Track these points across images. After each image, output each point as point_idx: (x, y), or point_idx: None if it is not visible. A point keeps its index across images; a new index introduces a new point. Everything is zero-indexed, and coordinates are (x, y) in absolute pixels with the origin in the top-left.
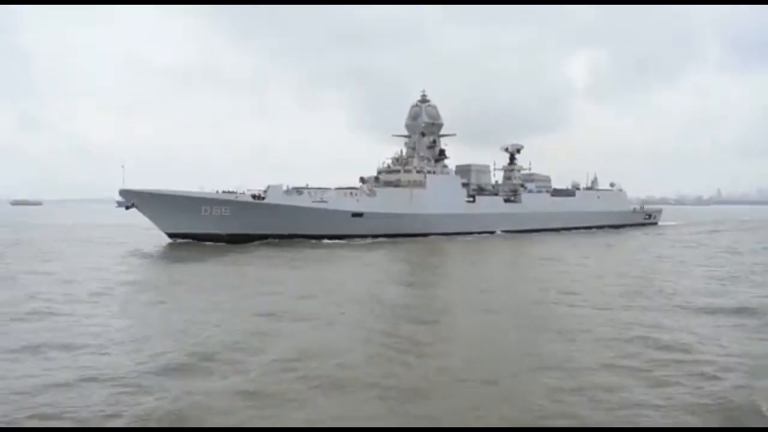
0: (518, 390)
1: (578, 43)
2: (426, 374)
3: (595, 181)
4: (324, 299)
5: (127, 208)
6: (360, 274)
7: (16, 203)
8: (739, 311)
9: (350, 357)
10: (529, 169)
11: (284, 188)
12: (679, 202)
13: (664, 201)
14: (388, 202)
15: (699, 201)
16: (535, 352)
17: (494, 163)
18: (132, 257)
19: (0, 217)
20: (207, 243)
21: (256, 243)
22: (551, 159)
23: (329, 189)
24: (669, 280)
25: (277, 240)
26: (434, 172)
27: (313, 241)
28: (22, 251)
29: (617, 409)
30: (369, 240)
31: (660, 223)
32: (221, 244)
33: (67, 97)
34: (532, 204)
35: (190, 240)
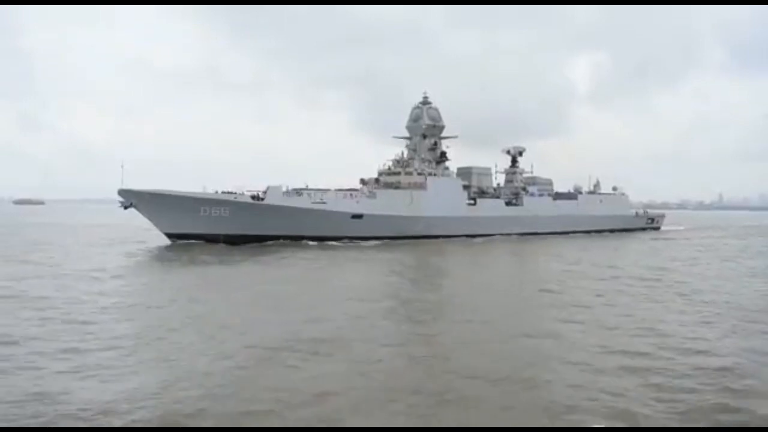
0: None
1: (578, 45)
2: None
3: (597, 184)
4: (347, 299)
5: (126, 208)
6: (376, 275)
7: (19, 202)
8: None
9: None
10: (531, 172)
11: (284, 189)
12: (681, 206)
13: (666, 205)
14: (388, 204)
15: (701, 206)
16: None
17: (496, 165)
18: (152, 257)
19: (5, 216)
20: (217, 244)
21: (269, 243)
22: (552, 162)
23: (329, 190)
24: (689, 282)
25: (283, 241)
26: (435, 174)
27: (314, 242)
28: (45, 251)
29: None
30: (375, 242)
31: (663, 228)
32: (224, 245)
33: (67, 97)
34: (534, 207)
35: (196, 240)
